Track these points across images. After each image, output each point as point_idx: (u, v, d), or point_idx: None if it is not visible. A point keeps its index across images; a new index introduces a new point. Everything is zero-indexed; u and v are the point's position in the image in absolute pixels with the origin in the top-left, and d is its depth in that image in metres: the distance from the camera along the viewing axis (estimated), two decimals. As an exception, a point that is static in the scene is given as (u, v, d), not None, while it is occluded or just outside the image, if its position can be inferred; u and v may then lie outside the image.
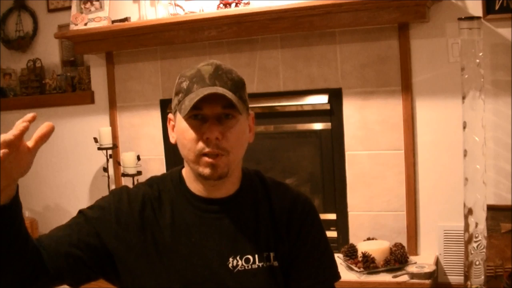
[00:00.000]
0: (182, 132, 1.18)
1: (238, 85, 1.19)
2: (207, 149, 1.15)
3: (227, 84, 1.17)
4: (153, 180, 1.30)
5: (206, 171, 1.17)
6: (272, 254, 1.23)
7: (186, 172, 1.27)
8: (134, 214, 1.22)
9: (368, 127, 2.98)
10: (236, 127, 1.18)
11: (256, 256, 1.22)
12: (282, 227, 1.25)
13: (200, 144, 1.16)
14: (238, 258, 1.21)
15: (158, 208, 1.23)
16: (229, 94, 1.14)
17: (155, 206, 1.23)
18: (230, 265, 1.20)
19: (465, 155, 2.51)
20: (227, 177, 1.20)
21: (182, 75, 1.21)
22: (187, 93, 1.16)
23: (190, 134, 1.16)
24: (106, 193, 3.58)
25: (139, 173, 3.33)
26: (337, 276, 1.32)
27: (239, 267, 1.21)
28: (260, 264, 1.22)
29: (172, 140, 1.25)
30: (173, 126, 1.24)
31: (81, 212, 1.25)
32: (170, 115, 1.25)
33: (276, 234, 1.24)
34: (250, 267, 1.21)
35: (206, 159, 1.16)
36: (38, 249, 1.13)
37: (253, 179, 1.30)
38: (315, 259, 1.27)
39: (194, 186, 1.24)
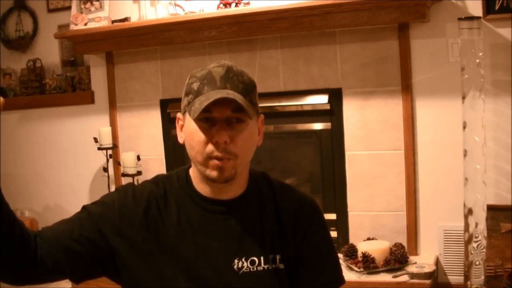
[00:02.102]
0: (191, 133, 1.17)
1: (248, 88, 1.18)
2: (215, 153, 1.15)
3: (238, 88, 1.16)
4: (159, 179, 1.29)
5: (213, 173, 1.16)
6: (278, 257, 1.23)
7: (193, 172, 1.26)
8: (139, 211, 1.21)
9: (368, 127, 2.98)
10: (245, 131, 1.17)
11: (262, 258, 1.21)
12: (288, 229, 1.25)
13: (209, 147, 1.15)
14: (243, 260, 1.20)
15: (164, 207, 1.23)
16: (239, 98, 1.13)
17: (161, 204, 1.23)
18: (235, 266, 1.20)
19: (465, 155, 2.51)
20: (234, 180, 1.19)
21: (193, 75, 1.20)
22: (197, 95, 1.15)
23: (199, 136, 1.16)
24: (106, 193, 3.58)
25: (139, 173, 3.33)
26: (341, 280, 1.33)
27: (244, 269, 1.20)
28: (266, 267, 1.21)
29: (181, 140, 1.24)
30: (182, 126, 1.23)
31: (84, 207, 1.24)
32: (179, 115, 1.24)
33: (282, 236, 1.24)
34: (255, 269, 1.21)
35: (214, 161, 1.16)
36: (32, 238, 1.13)
37: (259, 181, 1.29)
38: (320, 262, 1.27)
39: (201, 187, 1.24)
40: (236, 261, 1.20)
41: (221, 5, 3.09)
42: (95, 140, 3.38)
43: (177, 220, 1.22)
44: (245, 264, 1.20)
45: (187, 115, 1.18)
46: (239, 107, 1.14)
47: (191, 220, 1.22)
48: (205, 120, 1.15)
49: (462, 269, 2.63)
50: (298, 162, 3.36)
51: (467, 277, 2.53)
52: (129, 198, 1.23)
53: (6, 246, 1.08)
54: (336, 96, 3.03)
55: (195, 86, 1.17)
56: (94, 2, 3.36)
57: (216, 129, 1.14)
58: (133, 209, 1.21)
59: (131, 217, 1.20)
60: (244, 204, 1.24)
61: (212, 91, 1.14)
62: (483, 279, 2.51)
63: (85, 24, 3.35)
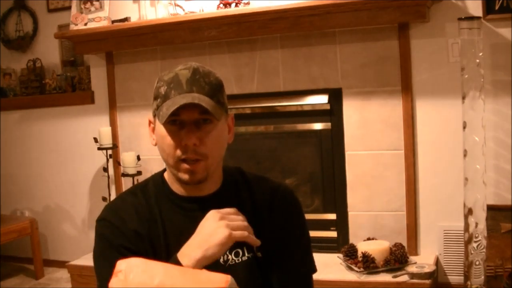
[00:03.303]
0: (161, 137, 1.20)
1: (215, 89, 1.20)
2: (185, 155, 1.17)
3: (205, 89, 1.17)
4: (136, 188, 1.32)
5: (185, 176, 1.19)
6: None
7: (168, 173, 1.28)
8: (133, 225, 1.22)
9: (368, 127, 2.98)
10: (214, 131, 1.19)
11: (244, 248, 1.24)
12: (264, 216, 1.27)
13: (179, 150, 1.18)
14: (227, 252, 1.22)
15: (149, 213, 1.25)
16: (205, 101, 1.15)
17: (145, 212, 1.25)
18: (221, 260, 1.22)
19: (465, 155, 2.51)
20: (206, 179, 1.22)
21: (160, 79, 1.22)
22: (165, 99, 1.17)
23: (169, 140, 1.18)
24: (106, 193, 3.58)
25: (139, 173, 3.33)
26: (312, 269, 1.33)
27: (230, 262, 1.23)
28: (249, 255, 1.24)
29: (153, 142, 1.26)
30: (153, 128, 1.26)
31: (102, 257, 1.22)
32: (150, 118, 1.27)
33: (258, 225, 1.26)
34: (240, 260, 1.23)
35: (185, 165, 1.18)
36: None
37: (235, 175, 1.32)
38: (292, 250, 1.28)
39: (176, 187, 1.26)
40: None
41: (221, 5, 3.09)
42: (95, 140, 3.38)
43: (161, 225, 1.24)
44: (230, 256, 1.23)
45: (156, 118, 1.20)
46: (206, 109, 1.15)
47: (174, 222, 1.24)
48: (174, 123, 1.17)
49: (462, 269, 2.63)
50: (298, 162, 3.36)
51: (467, 277, 2.53)
52: (122, 217, 1.23)
53: None
54: (336, 96, 3.03)
55: (162, 90, 1.19)
56: (94, 2, 3.36)
57: (184, 132, 1.16)
58: (129, 226, 1.22)
59: (132, 234, 1.21)
60: (220, 199, 1.26)
61: (178, 96, 1.16)
62: (483, 279, 2.51)
63: (85, 24, 3.35)
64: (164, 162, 1.24)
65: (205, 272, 1.04)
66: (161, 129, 1.19)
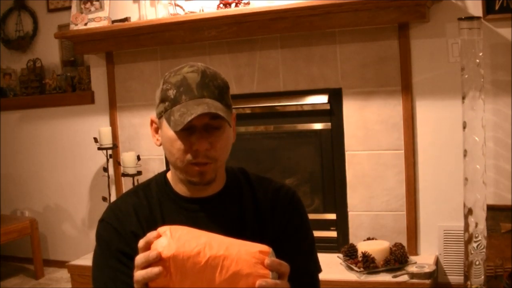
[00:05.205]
0: (170, 141, 1.19)
1: (223, 91, 1.20)
2: (196, 160, 1.17)
3: (214, 94, 1.17)
4: (138, 188, 1.32)
5: (195, 178, 1.19)
6: None
7: (171, 174, 1.28)
8: (133, 228, 1.22)
9: (368, 127, 2.98)
10: (224, 135, 1.19)
11: None
12: (267, 216, 1.27)
13: (190, 155, 1.17)
14: None
15: (150, 215, 1.25)
16: (218, 108, 1.14)
17: (146, 213, 1.25)
18: None
19: (465, 155, 2.51)
20: (214, 180, 1.23)
21: (167, 80, 1.20)
22: (175, 103, 1.16)
23: (179, 144, 1.17)
24: (106, 193, 3.57)
25: (139, 173, 3.33)
26: (317, 268, 1.34)
27: None
28: None
29: (157, 143, 1.26)
30: (156, 129, 1.25)
31: (99, 260, 1.23)
32: (153, 118, 1.25)
33: (261, 225, 1.26)
34: None
35: (195, 168, 1.18)
36: None
37: (237, 176, 1.32)
38: (296, 250, 1.27)
39: (180, 188, 1.26)
40: None
41: (221, 5, 3.09)
42: (95, 140, 3.38)
43: (162, 225, 1.23)
44: None
45: (163, 120, 1.19)
46: (217, 114, 1.15)
47: (175, 222, 1.23)
48: (184, 128, 1.16)
49: (462, 269, 2.63)
50: (298, 162, 3.36)
51: (467, 277, 2.53)
52: (121, 218, 1.23)
53: None
54: (336, 96, 3.03)
55: (171, 93, 1.17)
56: (94, 2, 3.36)
57: (196, 137, 1.16)
58: (128, 227, 1.22)
59: (130, 236, 1.21)
60: (222, 200, 1.27)
61: (190, 101, 1.15)
62: (483, 279, 2.51)
63: (85, 24, 3.35)
64: (171, 164, 1.23)
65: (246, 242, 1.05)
66: (169, 132, 1.18)
